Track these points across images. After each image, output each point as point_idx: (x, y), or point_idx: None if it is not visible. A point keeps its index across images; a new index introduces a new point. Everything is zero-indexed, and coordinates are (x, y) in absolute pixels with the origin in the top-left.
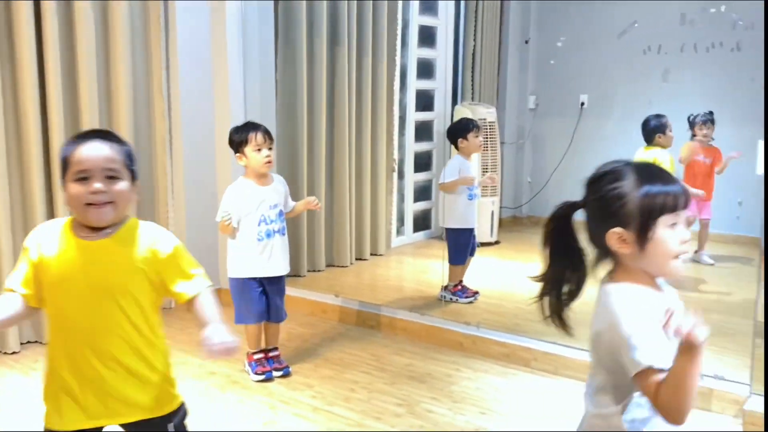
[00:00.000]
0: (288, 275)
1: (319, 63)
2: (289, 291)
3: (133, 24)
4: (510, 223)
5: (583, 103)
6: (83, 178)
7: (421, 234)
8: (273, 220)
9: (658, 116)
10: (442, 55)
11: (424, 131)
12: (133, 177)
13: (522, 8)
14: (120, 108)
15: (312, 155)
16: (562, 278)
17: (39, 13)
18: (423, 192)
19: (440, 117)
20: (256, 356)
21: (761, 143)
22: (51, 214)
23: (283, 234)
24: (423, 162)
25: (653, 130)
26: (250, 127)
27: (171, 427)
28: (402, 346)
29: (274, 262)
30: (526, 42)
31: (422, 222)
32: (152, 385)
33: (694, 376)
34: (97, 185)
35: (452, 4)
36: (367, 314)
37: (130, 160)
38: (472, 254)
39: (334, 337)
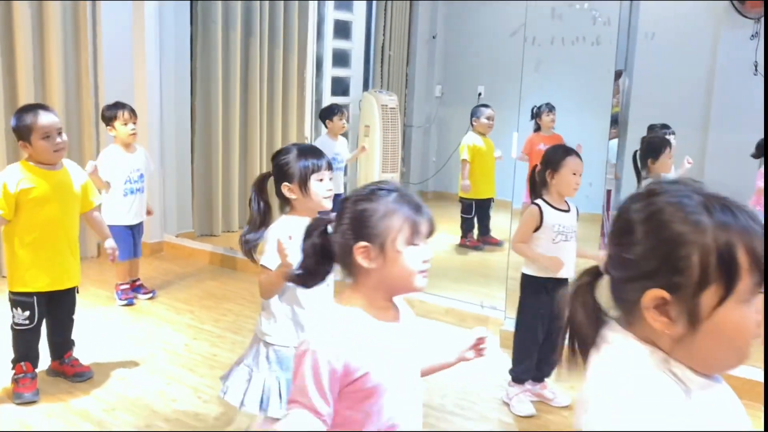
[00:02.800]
0: (205, 234)
1: (234, 53)
2: (201, 245)
3: (64, 15)
4: None
5: (480, 93)
6: (47, 136)
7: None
8: (135, 181)
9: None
10: (356, 46)
11: None
12: None
13: (430, 6)
14: (53, 87)
15: (227, 133)
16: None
17: None
18: None
19: (355, 102)
20: (123, 287)
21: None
22: None
23: (143, 192)
24: None
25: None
26: (119, 105)
27: (76, 289)
28: None
29: (135, 212)
30: (434, 37)
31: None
32: (78, 263)
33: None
34: (59, 140)
35: (364, 2)
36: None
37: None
38: None
39: (227, 282)
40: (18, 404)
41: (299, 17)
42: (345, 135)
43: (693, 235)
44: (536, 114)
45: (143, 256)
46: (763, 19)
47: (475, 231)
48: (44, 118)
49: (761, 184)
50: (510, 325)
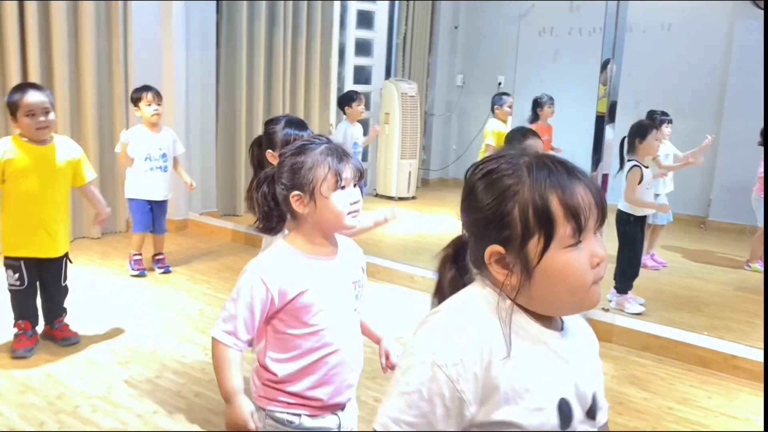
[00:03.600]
0: (228, 214)
1: (258, 41)
2: (224, 223)
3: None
4: (436, 183)
5: (500, 83)
6: (32, 114)
7: None
8: (156, 159)
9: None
10: (379, 36)
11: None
12: (53, 107)
13: None
14: (86, 71)
15: (250, 118)
16: None
17: (23, 10)
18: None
19: (376, 90)
20: (135, 257)
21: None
22: None
23: (165, 171)
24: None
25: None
26: (145, 88)
27: (67, 258)
28: None
29: (156, 188)
30: (456, 28)
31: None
32: (65, 234)
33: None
34: (42, 118)
35: None
36: None
37: (51, 98)
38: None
39: (245, 257)
40: (13, 358)
41: (323, 7)
42: (365, 121)
43: (515, 188)
44: (537, 104)
45: (168, 231)
46: None
47: None
48: (30, 97)
49: (761, 170)
50: None
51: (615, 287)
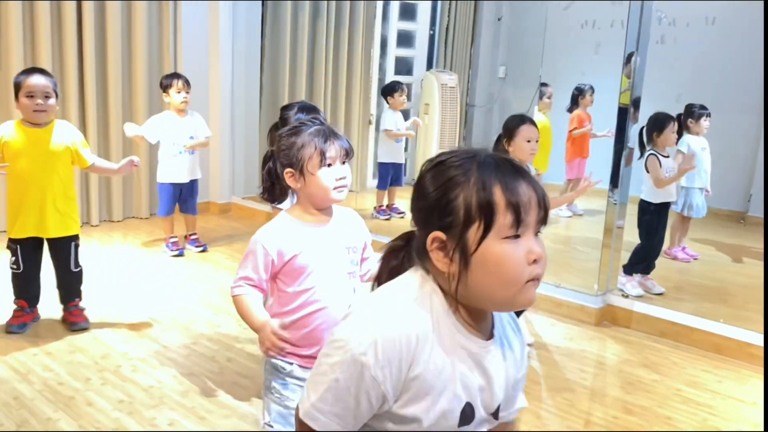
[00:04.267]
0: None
1: (302, 32)
2: (265, 207)
3: None
4: None
5: (540, 76)
6: (31, 95)
7: None
8: (184, 143)
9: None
10: (421, 28)
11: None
12: (56, 95)
13: None
14: (138, 62)
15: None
16: None
17: (80, 11)
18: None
19: (418, 81)
20: (172, 239)
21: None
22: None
23: (192, 154)
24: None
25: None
26: (175, 75)
27: (75, 241)
28: None
29: (184, 171)
30: (499, 19)
31: None
32: (72, 215)
33: None
34: (40, 101)
35: None
36: None
37: (55, 86)
38: (397, 184)
39: None
40: (7, 332)
41: (366, 0)
42: (406, 111)
43: (460, 179)
44: (578, 93)
45: (212, 214)
46: None
47: None
48: (33, 80)
49: None
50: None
51: (623, 267)
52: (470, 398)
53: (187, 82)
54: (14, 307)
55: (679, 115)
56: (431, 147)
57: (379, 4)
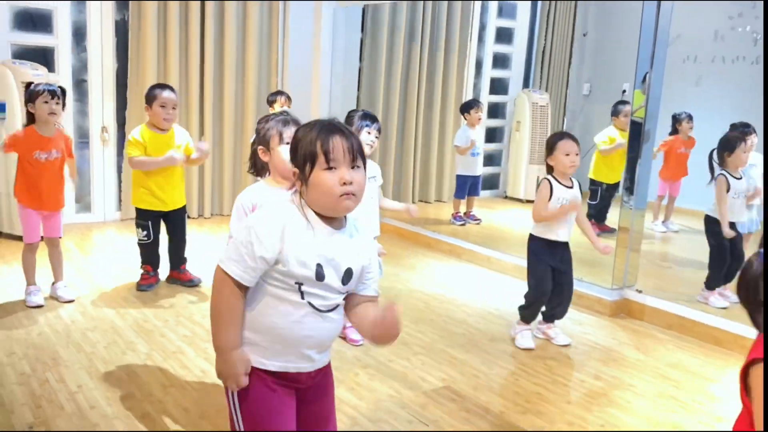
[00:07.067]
0: None
1: (397, 54)
2: None
3: (261, 22)
4: None
5: (624, 90)
6: (163, 106)
7: (487, 192)
8: None
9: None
10: (517, 50)
11: (498, 110)
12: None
13: (583, 4)
14: (250, 78)
15: (385, 125)
16: None
17: (203, 10)
18: (491, 159)
19: (512, 100)
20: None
21: None
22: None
23: None
24: (495, 135)
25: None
26: (279, 92)
27: (184, 213)
28: (404, 245)
29: None
30: (584, 35)
31: (490, 182)
32: (182, 193)
33: None
34: (170, 111)
35: (528, 8)
36: (402, 230)
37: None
38: (475, 194)
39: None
40: (139, 291)
41: (461, 25)
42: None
43: (304, 138)
44: (675, 120)
45: None
46: None
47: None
48: (166, 93)
49: None
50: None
51: (705, 283)
52: (319, 259)
53: (288, 98)
54: (141, 271)
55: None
56: (522, 162)
57: (475, 29)
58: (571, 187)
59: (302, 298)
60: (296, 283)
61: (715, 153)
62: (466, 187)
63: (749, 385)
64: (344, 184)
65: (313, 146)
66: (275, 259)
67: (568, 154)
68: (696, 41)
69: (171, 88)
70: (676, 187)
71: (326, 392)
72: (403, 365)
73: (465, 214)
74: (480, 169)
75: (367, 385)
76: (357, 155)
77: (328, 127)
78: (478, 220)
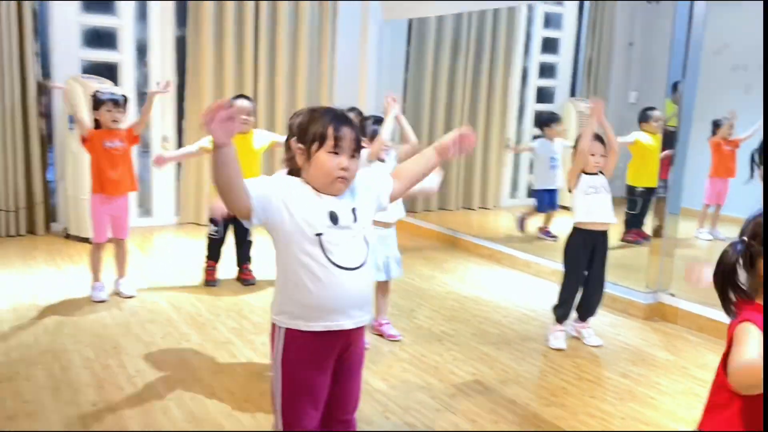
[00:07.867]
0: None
1: (442, 66)
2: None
3: (312, 32)
4: None
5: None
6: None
7: (531, 199)
8: None
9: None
10: (563, 60)
11: None
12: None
13: (629, 14)
14: (300, 90)
15: (432, 135)
16: None
17: (258, 11)
18: None
19: (558, 109)
20: None
21: None
22: None
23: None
24: None
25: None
26: (234, 97)
27: None
28: (443, 249)
29: None
30: (630, 44)
31: None
32: None
33: None
34: (244, 118)
35: (575, 18)
36: (444, 236)
37: (254, 107)
38: (553, 208)
39: (422, 248)
40: (205, 285)
41: (506, 36)
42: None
43: (314, 120)
44: (715, 124)
45: None
46: None
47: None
48: (239, 102)
49: None
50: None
51: None
52: (333, 209)
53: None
54: (204, 266)
55: None
56: (566, 167)
57: (520, 39)
58: (597, 174)
59: (325, 254)
60: (316, 234)
61: (755, 153)
62: (544, 201)
63: (734, 338)
64: (342, 169)
65: (325, 129)
66: (281, 198)
67: (593, 155)
68: (746, 49)
69: (247, 98)
70: (723, 195)
71: (354, 372)
72: (435, 360)
73: (540, 229)
74: (555, 182)
75: (399, 376)
76: (357, 147)
77: (340, 117)
78: (554, 237)
